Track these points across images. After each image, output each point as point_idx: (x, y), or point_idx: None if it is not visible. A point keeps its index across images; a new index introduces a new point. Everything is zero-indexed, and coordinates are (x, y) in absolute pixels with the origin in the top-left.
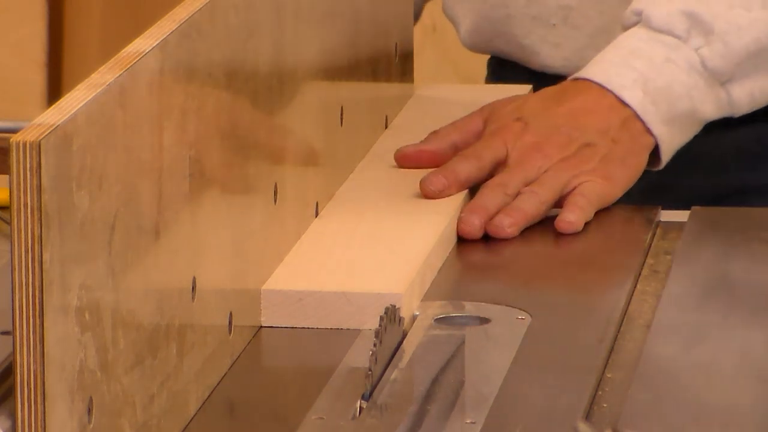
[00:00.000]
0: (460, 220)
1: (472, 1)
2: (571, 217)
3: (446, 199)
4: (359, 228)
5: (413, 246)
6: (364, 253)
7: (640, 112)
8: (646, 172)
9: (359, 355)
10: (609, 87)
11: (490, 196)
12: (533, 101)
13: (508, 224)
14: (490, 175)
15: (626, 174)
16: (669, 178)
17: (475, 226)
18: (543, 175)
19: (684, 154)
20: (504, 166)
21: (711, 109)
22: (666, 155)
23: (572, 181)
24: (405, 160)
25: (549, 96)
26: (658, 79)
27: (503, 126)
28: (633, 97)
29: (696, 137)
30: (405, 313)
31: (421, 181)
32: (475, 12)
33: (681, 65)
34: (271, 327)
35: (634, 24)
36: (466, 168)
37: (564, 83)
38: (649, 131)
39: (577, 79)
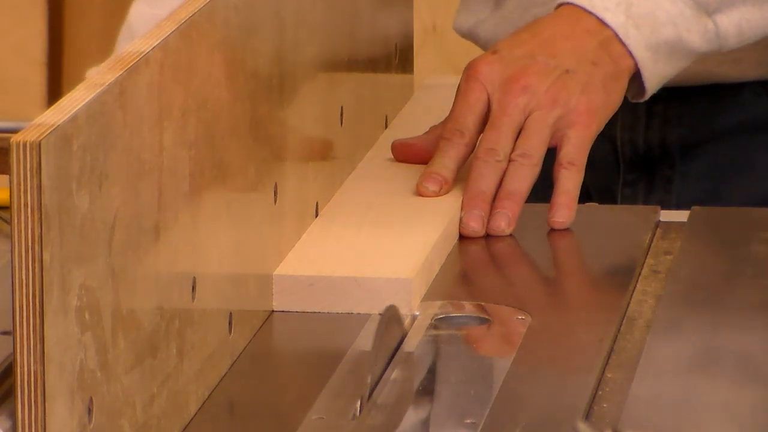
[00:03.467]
0: (461, 222)
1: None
2: (562, 218)
3: (447, 195)
4: (366, 219)
5: (420, 235)
6: (373, 240)
7: (621, 34)
8: (698, 179)
9: (369, 340)
10: (591, 9)
11: (484, 175)
12: (507, 38)
13: (505, 225)
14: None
15: (607, 102)
16: (725, 185)
17: (476, 230)
18: (529, 120)
19: (738, 159)
20: (489, 113)
21: (697, 40)
22: (650, 83)
23: (558, 123)
24: (400, 151)
25: (523, 29)
26: (642, 5)
27: (478, 61)
28: (615, 19)
29: (750, 140)
30: (414, 299)
31: (417, 185)
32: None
33: None
34: (283, 311)
35: None
36: (454, 154)
37: (544, 16)
38: (630, 54)
39: (561, 4)
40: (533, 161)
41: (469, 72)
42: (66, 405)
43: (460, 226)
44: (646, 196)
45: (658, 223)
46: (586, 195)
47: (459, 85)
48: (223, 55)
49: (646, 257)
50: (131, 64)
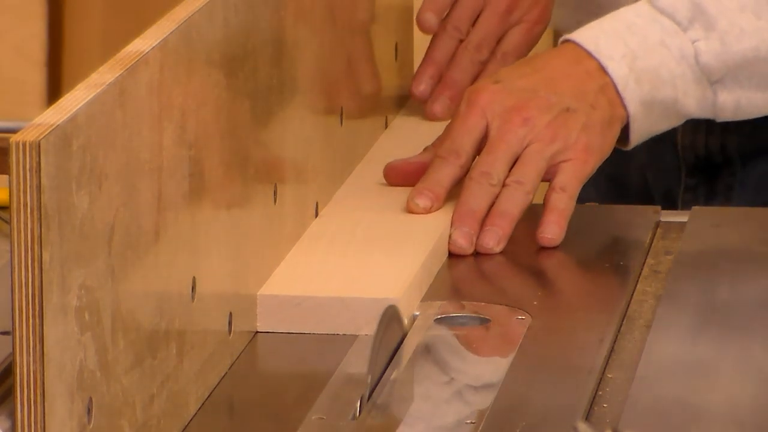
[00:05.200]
0: (450, 240)
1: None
2: (551, 234)
3: (437, 212)
4: (356, 232)
5: (410, 250)
6: (361, 257)
7: (620, 86)
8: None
9: (356, 361)
10: (596, 54)
11: (476, 195)
12: (509, 67)
13: (494, 244)
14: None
15: (603, 146)
16: None
17: (464, 248)
18: (527, 151)
19: None
20: (486, 139)
21: (694, 105)
22: (636, 136)
23: (555, 157)
24: (393, 174)
25: (524, 62)
26: (646, 60)
27: (480, 89)
28: (618, 70)
29: None
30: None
31: (407, 200)
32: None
33: (673, 52)
34: (268, 332)
35: None
36: (448, 173)
37: (545, 51)
38: (624, 106)
39: (565, 41)
40: (526, 188)
41: (471, 98)
42: (65, 405)
43: (448, 243)
44: (706, 202)
45: (658, 223)
46: (648, 197)
47: (459, 108)
48: (223, 55)
49: (646, 257)
50: (131, 63)
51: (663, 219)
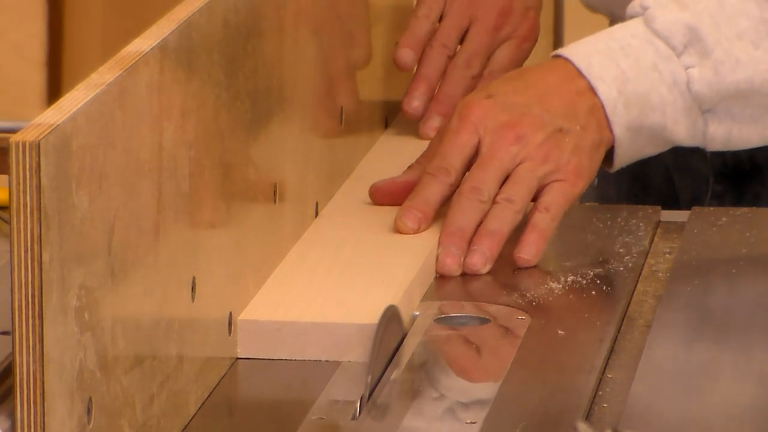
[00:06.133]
0: (437, 259)
1: None
2: (527, 255)
3: (424, 231)
4: (341, 253)
5: (393, 276)
6: (344, 282)
7: (609, 108)
8: None
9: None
10: (586, 74)
11: (465, 212)
12: (502, 79)
13: (481, 265)
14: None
15: (591, 169)
16: None
17: (451, 270)
18: (518, 169)
19: None
20: (477, 155)
21: (683, 133)
22: (620, 160)
23: (546, 178)
24: (378, 195)
25: (516, 76)
26: (637, 84)
27: (472, 103)
28: (607, 92)
29: None
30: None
31: (395, 219)
32: None
33: (666, 78)
34: (248, 359)
35: (637, 16)
36: (437, 191)
37: (539, 63)
38: (611, 130)
39: (557, 55)
40: (517, 207)
41: (463, 112)
42: (65, 405)
43: (436, 263)
44: None
45: (658, 223)
46: (674, 202)
47: (450, 122)
48: (223, 55)
49: (646, 257)
50: (131, 63)
51: (663, 219)
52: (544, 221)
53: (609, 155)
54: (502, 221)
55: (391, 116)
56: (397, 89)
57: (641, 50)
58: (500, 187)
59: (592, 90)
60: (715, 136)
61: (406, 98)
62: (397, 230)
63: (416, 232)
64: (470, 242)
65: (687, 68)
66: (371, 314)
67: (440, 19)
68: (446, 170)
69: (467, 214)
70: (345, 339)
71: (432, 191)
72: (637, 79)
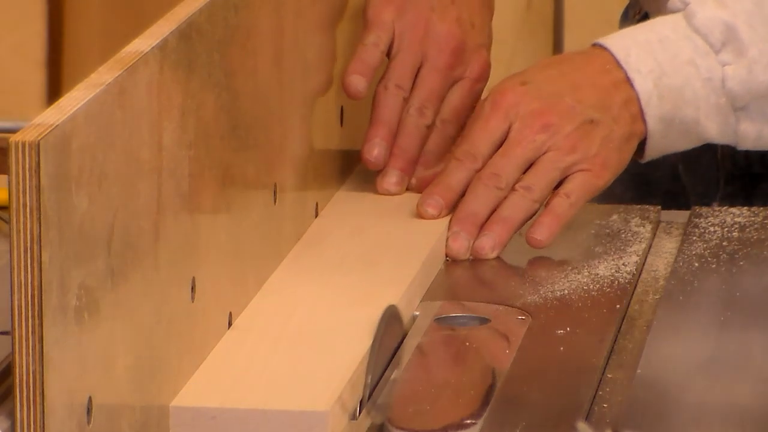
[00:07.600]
0: (448, 239)
1: None
2: (540, 235)
3: (388, 280)
4: (285, 330)
5: (345, 352)
6: (290, 358)
7: (644, 100)
8: None
9: None
10: (624, 64)
11: (481, 197)
12: (538, 66)
13: (489, 249)
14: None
15: (619, 162)
16: None
17: (459, 253)
18: (542, 158)
19: None
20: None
21: (714, 129)
22: (651, 151)
23: (570, 168)
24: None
25: (551, 64)
26: (673, 78)
27: (507, 89)
28: (643, 84)
29: None
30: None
31: (417, 204)
32: None
33: (701, 73)
34: None
35: (678, 11)
36: (461, 177)
37: (576, 51)
38: (644, 121)
39: (596, 44)
40: (534, 196)
41: (495, 97)
42: (65, 405)
43: (445, 246)
44: None
45: (658, 223)
46: (684, 202)
47: (483, 107)
48: (223, 55)
49: (646, 257)
50: (130, 63)
51: (663, 219)
52: (562, 206)
53: (640, 146)
54: (517, 209)
55: None
56: None
57: (679, 45)
58: (522, 175)
59: (629, 81)
60: (747, 134)
61: (366, 146)
62: (419, 216)
63: (437, 218)
64: (481, 228)
65: (723, 65)
66: (316, 398)
67: (389, 51)
68: (473, 156)
69: (482, 200)
70: (286, 427)
71: (457, 177)
72: (672, 73)
